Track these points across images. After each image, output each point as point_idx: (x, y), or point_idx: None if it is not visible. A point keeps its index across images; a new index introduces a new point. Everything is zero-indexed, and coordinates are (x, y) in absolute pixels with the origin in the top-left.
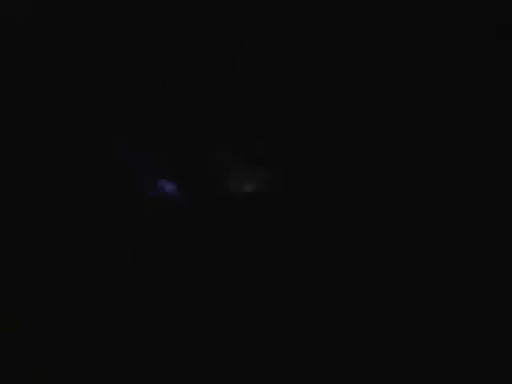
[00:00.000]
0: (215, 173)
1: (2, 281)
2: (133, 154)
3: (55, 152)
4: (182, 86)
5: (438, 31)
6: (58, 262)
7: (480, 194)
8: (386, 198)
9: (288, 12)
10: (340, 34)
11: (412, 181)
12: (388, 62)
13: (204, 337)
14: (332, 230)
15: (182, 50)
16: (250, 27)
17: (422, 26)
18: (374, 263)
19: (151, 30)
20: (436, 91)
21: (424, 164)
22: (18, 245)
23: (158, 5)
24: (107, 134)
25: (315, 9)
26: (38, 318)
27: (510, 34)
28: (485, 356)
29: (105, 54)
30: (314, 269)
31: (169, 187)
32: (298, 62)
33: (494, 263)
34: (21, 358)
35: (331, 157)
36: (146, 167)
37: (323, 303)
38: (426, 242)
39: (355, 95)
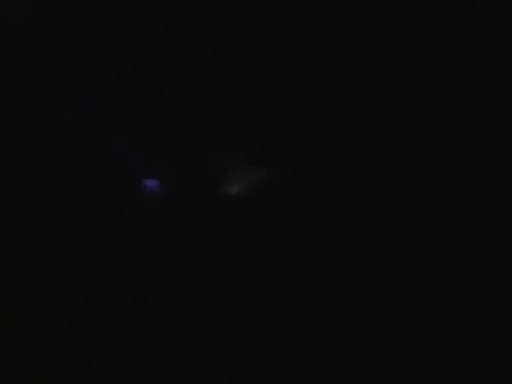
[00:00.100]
0: (215, 173)
1: (1, 281)
2: (133, 154)
3: (55, 152)
4: (182, 86)
5: (438, 31)
6: (57, 262)
7: (480, 194)
8: (386, 197)
9: (288, 12)
10: (340, 34)
11: (412, 181)
12: (388, 61)
13: (204, 337)
14: (332, 229)
15: (182, 50)
16: (250, 27)
17: (422, 26)
18: (373, 263)
19: (151, 30)
20: (436, 91)
21: (424, 164)
22: (18, 245)
23: (157, 5)
24: (107, 134)
25: (315, 9)
26: (38, 317)
27: (510, 34)
28: (485, 356)
29: (105, 53)
30: (313, 269)
31: (168, 187)
32: (297, 61)
33: (494, 263)
34: (21, 358)
35: (331, 157)
36: (146, 167)
37: (323, 303)
38: (426, 242)
39: (355, 95)
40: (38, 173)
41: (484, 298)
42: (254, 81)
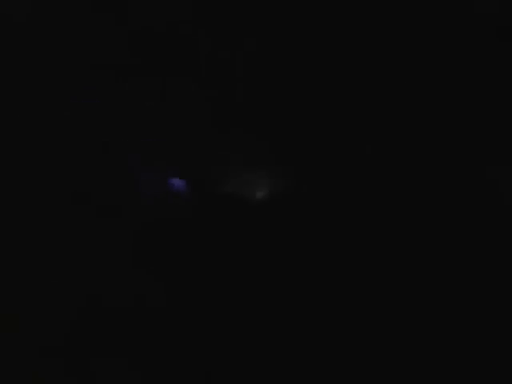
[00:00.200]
0: (215, 173)
1: (1, 281)
2: (133, 154)
3: (55, 152)
4: (182, 86)
5: (438, 31)
6: (58, 262)
7: (480, 194)
8: (386, 197)
9: (288, 12)
10: (340, 34)
11: (412, 181)
12: (388, 61)
13: (204, 337)
14: (331, 229)
15: (182, 50)
16: (250, 27)
17: (422, 26)
18: (373, 263)
19: (151, 30)
20: (436, 91)
21: (424, 164)
22: (18, 245)
23: (158, 5)
24: (107, 134)
25: (315, 9)
26: (38, 317)
27: (510, 33)
28: (485, 356)
29: (105, 53)
30: (313, 269)
31: (169, 187)
32: (297, 61)
33: (494, 263)
34: (21, 358)
35: (331, 156)
36: (146, 167)
37: (323, 303)
38: (426, 242)
39: (355, 95)
40: (38, 173)
41: (484, 298)
42: (254, 81)
